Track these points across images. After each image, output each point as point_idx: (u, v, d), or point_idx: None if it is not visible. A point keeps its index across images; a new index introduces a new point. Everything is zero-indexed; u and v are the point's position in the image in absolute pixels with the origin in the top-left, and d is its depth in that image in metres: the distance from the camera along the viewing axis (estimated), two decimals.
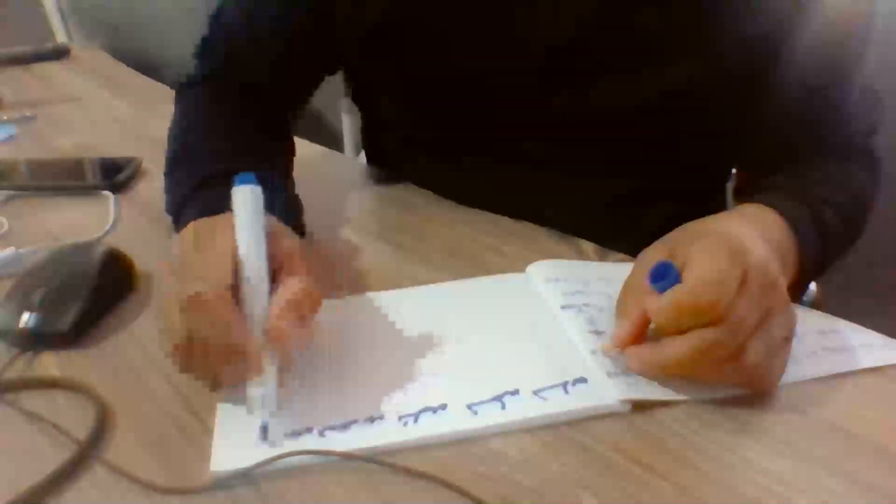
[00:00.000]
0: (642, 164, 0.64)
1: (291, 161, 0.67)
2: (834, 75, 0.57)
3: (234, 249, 0.42)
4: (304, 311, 0.42)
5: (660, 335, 0.41)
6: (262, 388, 0.39)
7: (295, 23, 0.65)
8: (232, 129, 0.65)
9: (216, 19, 0.69)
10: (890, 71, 0.62)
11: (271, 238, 0.44)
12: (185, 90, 0.71)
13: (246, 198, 0.44)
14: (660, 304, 0.40)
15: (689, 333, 0.39)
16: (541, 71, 0.60)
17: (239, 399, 0.42)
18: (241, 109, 0.67)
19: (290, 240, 0.46)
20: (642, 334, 0.43)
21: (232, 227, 0.43)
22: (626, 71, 0.58)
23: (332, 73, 0.73)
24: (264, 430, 0.38)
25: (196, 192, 0.54)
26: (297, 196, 0.61)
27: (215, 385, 0.42)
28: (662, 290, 0.40)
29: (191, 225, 0.46)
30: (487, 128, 0.65)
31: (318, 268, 0.46)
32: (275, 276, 0.43)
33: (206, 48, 0.71)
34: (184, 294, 0.39)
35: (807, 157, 0.60)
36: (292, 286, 0.42)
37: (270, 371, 0.39)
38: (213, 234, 0.44)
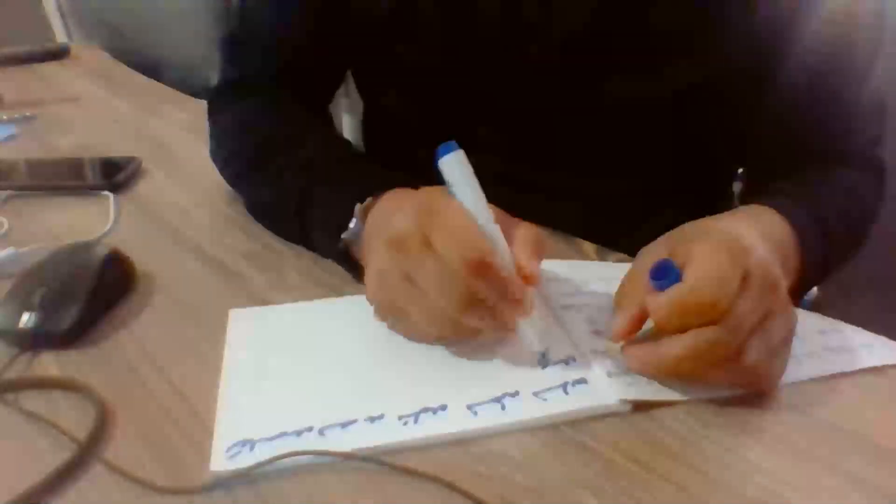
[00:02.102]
0: (648, 164, 0.64)
1: None
2: (841, 81, 0.57)
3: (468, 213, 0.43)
4: (541, 252, 0.45)
5: (660, 335, 0.41)
6: (534, 324, 0.44)
7: (319, 12, 0.65)
8: (312, 118, 0.66)
9: (242, 18, 0.69)
10: (890, 71, 0.62)
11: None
12: (227, 95, 0.71)
13: (458, 162, 0.44)
14: (660, 303, 0.40)
15: (689, 333, 0.39)
16: (551, 67, 0.60)
17: (238, 398, 0.42)
18: (297, 104, 0.68)
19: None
20: (640, 326, 0.43)
21: (447, 194, 0.44)
22: (637, 68, 0.58)
23: (354, 61, 0.74)
24: (544, 357, 0.44)
25: (319, 180, 0.55)
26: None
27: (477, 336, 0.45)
28: (663, 289, 0.40)
29: (399, 199, 0.49)
30: (495, 123, 0.65)
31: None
32: None
33: (235, 47, 0.71)
34: (462, 257, 0.41)
35: (812, 163, 0.60)
36: (528, 233, 0.45)
37: (538, 308, 0.44)
38: (439, 204, 0.44)
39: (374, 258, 0.45)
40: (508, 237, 0.45)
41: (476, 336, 0.45)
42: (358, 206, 0.51)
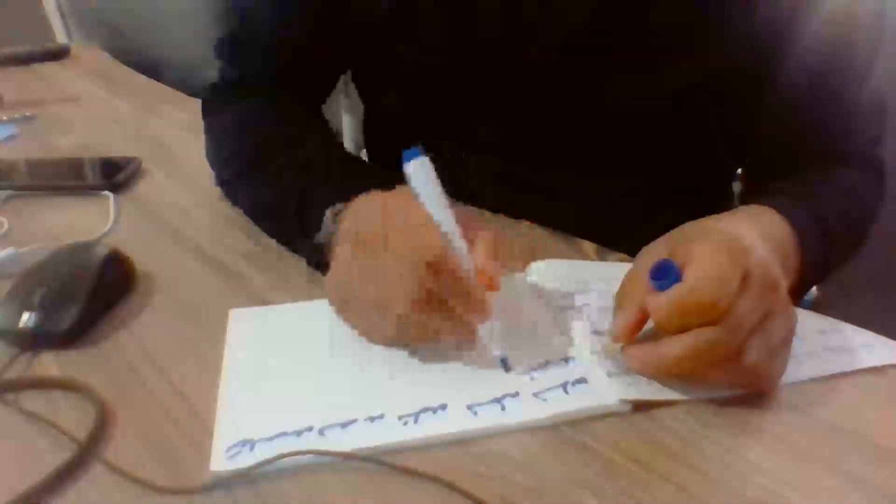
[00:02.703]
0: (648, 164, 0.64)
1: None
2: (841, 81, 0.57)
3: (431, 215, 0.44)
4: (501, 257, 0.45)
5: (660, 335, 0.41)
6: (492, 328, 0.44)
7: (318, 12, 0.65)
8: (308, 119, 0.67)
9: (239, 17, 0.69)
10: (891, 71, 0.62)
11: None
12: (223, 95, 0.71)
13: (421, 167, 0.45)
14: (660, 303, 0.40)
15: (689, 333, 0.39)
16: (551, 67, 0.60)
17: (238, 398, 0.42)
18: (299, 107, 0.68)
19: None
20: (640, 327, 0.43)
21: (411, 198, 0.45)
22: (637, 68, 0.58)
23: (352, 61, 0.74)
24: (504, 362, 0.44)
25: (318, 184, 0.55)
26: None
27: (436, 338, 0.45)
28: (663, 289, 0.40)
29: (368, 202, 0.49)
30: (495, 123, 0.65)
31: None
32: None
33: (233, 47, 0.71)
34: (419, 258, 0.42)
35: (812, 163, 0.60)
36: (489, 237, 0.46)
37: (495, 312, 0.44)
38: (403, 206, 0.46)
39: (337, 258, 0.47)
40: (471, 242, 0.45)
41: (434, 337, 0.45)
42: (329, 210, 0.51)
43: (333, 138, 0.65)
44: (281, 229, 0.60)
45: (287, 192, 0.57)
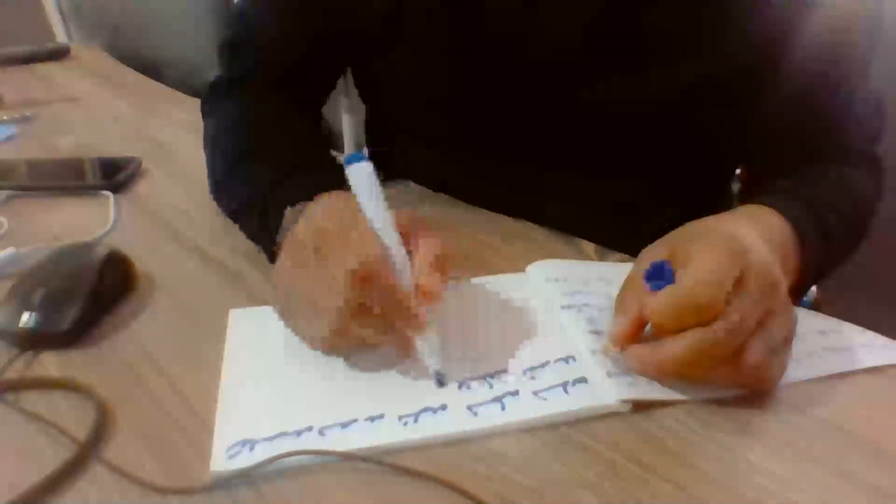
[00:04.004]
0: (647, 165, 0.64)
1: None
2: (839, 80, 0.57)
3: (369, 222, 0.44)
4: (443, 268, 0.44)
5: (659, 335, 0.41)
6: (427, 341, 0.43)
7: (316, 15, 0.66)
8: (296, 123, 0.66)
9: (240, 20, 0.70)
10: (891, 72, 0.62)
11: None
12: (222, 92, 0.71)
13: (363, 173, 0.44)
14: (654, 304, 0.40)
15: (688, 333, 0.39)
16: (550, 68, 0.60)
17: (238, 398, 0.42)
18: (286, 106, 0.68)
19: (404, 210, 0.47)
20: (639, 331, 0.43)
21: (355, 203, 0.44)
22: (637, 69, 0.58)
23: (351, 64, 0.74)
24: (438, 377, 0.43)
25: (283, 183, 0.54)
26: None
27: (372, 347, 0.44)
28: (657, 290, 0.40)
29: (312, 207, 0.48)
30: (495, 124, 0.65)
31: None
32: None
33: (233, 49, 0.71)
34: (347, 266, 0.41)
35: (810, 160, 0.60)
36: (430, 246, 0.44)
37: (431, 325, 0.42)
38: (343, 211, 0.45)
39: (279, 260, 0.46)
40: (413, 251, 0.45)
41: (370, 345, 0.44)
42: (289, 209, 0.50)
43: (316, 140, 0.65)
44: (251, 226, 0.59)
45: (258, 190, 0.57)
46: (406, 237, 0.45)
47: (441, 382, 0.43)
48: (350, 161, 0.45)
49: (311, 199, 0.48)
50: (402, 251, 0.44)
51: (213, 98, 0.71)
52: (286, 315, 0.46)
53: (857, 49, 0.57)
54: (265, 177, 0.56)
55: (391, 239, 0.44)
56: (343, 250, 0.42)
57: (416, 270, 0.44)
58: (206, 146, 0.69)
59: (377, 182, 0.45)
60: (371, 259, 0.41)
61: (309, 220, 0.46)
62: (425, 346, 0.43)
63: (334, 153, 0.65)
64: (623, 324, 0.43)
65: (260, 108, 0.68)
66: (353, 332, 0.42)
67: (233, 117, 0.68)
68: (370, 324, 0.42)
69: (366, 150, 0.68)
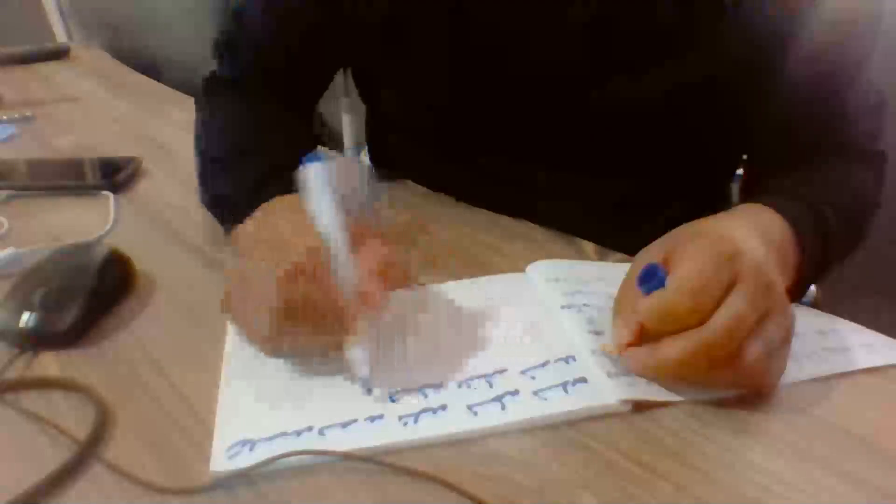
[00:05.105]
0: (648, 164, 0.64)
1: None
2: (840, 76, 0.57)
3: (314, 223, 0.43)
4: (387, 275, 0.43)
5: (657, 337, 0.41)
6: (359, 348, 0.42)
7: (310, 17, 0.65)
8: (280, 126, 0.66)
9: (235, 18, 0.70)
10: (891, 72, 0.62)
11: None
12: (213, 91, 0.71)
13: (318, 174, 0.44)
14: (644, 307, 0.40)
15: (685, 335, 0.39)
16: (551, 68, 0.60)
17: (238, 398, 0.42)
18: (279, 107, 0.68)
19: (359, 213, 0.47)
20: (641, 337, 0.43)
21: (304, 204, 0.44)
22: (636, 69, 0.58)
23: (346, 65, 0.74)
24: (365, 384, 0.42)
25: (262, 184, 0.54)
26: None
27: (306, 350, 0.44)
28: (648, 292, 0.41)
29: (264, 206, 0.48)
30: (496, 124, 0.65)
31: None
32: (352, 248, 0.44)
33: (228, 47, 0.71)
34: (283, 265, 0.40)
35: (811, 157, 0.60)
36: (374, 252, 0.44)
37: (365, 332, 0.42)
38: (292, 212, 0.45)
39: (226, 261, 0.46)
40: (360, 256, 0.44)
41: (306, 346, 0.44)
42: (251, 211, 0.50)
43: (297, 140, 0.64)
44: (225, 227, 0.59)
45: (234, 191, 0.57)
46: (358, 243, 0.44)
47: (369, 390, 0.42)
48: (306, 162, 0.45)
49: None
50: (348, 257, 0.43)
51: (204, 96, 0.71)
52: (231, 315, 0.45)
53: (856, 45, 0.56)
54: (246, 179, 0.56)
55: (338, 243, 0.43)
56: (277, 254, 0.42)
57: (359, 275, 0.43)
58: (195, 142, 0.69)
59: (333, 185, 0.44)
60: (305, 263, 0.41)
61: (253, 222, 0.46)
62: (355, 352, 0.42)
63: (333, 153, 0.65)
64: (622, 337, 0.42)
65: (246, 108, 0.68)
66: (286, 334, 0.42)
67: (219, 116, 0.68)
68: (305, 327, 0.42)
69: (350, 151, 0.68)
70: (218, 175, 0.62)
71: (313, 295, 0.41)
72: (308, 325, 0.42)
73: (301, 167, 0.45)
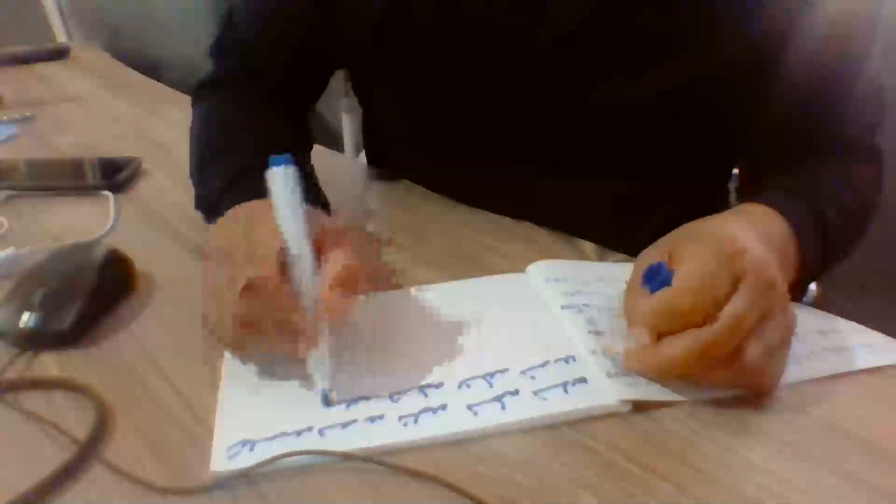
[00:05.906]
0: (645, 164, 0.64)
1: (310, 153, 0.68)
2: (837, 72, 0.57)
3: (277, 228, 0.43)
4: (350, 283, 0.43)
5: (658, 336, 0.41)
6: (318, 360, 0.41)
7: (302, 19, 0.65)
8: (258, 125, 0.66)
9: (228, 19, 0.70)
10: (891, 70, 0.62)
11: (310, 217, 0.44)
12: (203, 91, 0.72)
13: (282, 177, 0.44)
14: (648, 307, 0.40)
15: (685, 334, 0.39)
16: (547, 69, 0.60)
17: (238, 398, 0.42)
18: (263, 107, 0.68)
19: (328, 218, 0.47)
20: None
21: (271, 209, 0.44)
22: (634, 69, 0.58)
23: (339, 66, 0.74)
24: (325, 397, 0.41)
25: (232, 185, 0.55)
26: (319, 186, 0.62)
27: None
28: (653, 291, 0.41)
29: (230, 212, 0.47)
30: (493, 125, 0.65)
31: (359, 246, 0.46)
32: (318, 255, 0.44)
33: (220, 49, 0.72)
34: (237, 279, 0.40)
35: (809, 154, 0.59)
36: (338, 260, 0.43)
37: (325, 343, 0.41)
38: (254, 218, 0.45)
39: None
40: (324, 262, 0.43)
41: (270, 353, 0.43)
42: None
43: (275, 140, 0.64)
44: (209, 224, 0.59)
45: (212, 192, 0.58)
46: (322, 248, 0.44)
47: (327, 401, 0.41)
48: (272, 164, 0.44)
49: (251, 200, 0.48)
50: (311, 262, 0.43)
51: (198, 98, 0.72)
52: (202, 321, 0.45)
53: (855, 41, 0.56)
54: (220, 179, 0.57)
55: (300, 248, 0.42)
56: (241, 258, 0.42)
57: (320, 284, 0.42)
58: (189, 140, 0.69)
59: (298, 187, 0.44)
60: (264, 270, 0.41)
61: (218, 228, 0.46)
62: (314, 364, 0.42)
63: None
64: (643, 341, 0.41)
65: (227, 109, 0.68)
66: (253, 341, 0.42)
67: (203, 117, 0.68)
68: (265, 335, 0.41)
69: (350, 152, 0.67)
70: (194, 174, 0.63)
71: (270, 307, 0.41)
72: (267, 336, 0.41)
73: (267, 171, 0.44)
